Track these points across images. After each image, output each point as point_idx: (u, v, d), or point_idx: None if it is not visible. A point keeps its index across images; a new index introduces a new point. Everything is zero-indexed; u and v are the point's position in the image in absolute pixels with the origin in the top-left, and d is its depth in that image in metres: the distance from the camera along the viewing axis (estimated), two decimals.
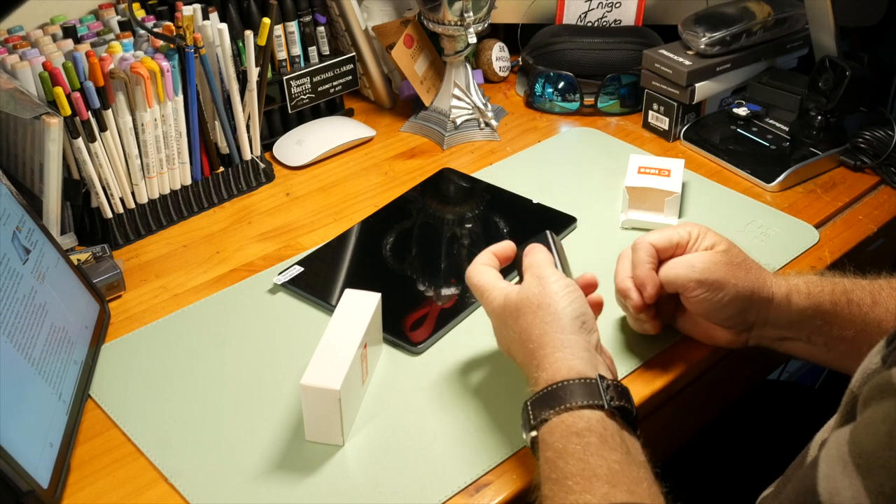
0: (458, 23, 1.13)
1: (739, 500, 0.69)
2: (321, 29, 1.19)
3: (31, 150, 0.93)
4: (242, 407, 0.77)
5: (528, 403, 0.66)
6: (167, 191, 1.02)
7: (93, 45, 0.97)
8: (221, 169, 1.07)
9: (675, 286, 0.76)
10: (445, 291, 0.90)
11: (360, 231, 1.00)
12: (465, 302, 0.88)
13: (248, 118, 1.07)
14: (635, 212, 1.00)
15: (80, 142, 0.92)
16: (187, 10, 0.99)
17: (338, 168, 1.14)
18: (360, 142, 1.18)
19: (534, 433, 0.65)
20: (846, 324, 0.75)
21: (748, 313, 0.77)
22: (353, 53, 1.21)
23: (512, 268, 0.78)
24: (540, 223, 0.99)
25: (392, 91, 1.28)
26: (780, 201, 1.03)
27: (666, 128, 1.16)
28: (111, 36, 1.00)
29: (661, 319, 0.81)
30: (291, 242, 0.99)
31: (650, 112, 1.18)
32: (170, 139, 0.99)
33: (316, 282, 0.92)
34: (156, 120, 0.96)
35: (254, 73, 1.04)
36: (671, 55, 1.14)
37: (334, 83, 1.21)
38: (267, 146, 1.16)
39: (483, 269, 0.76)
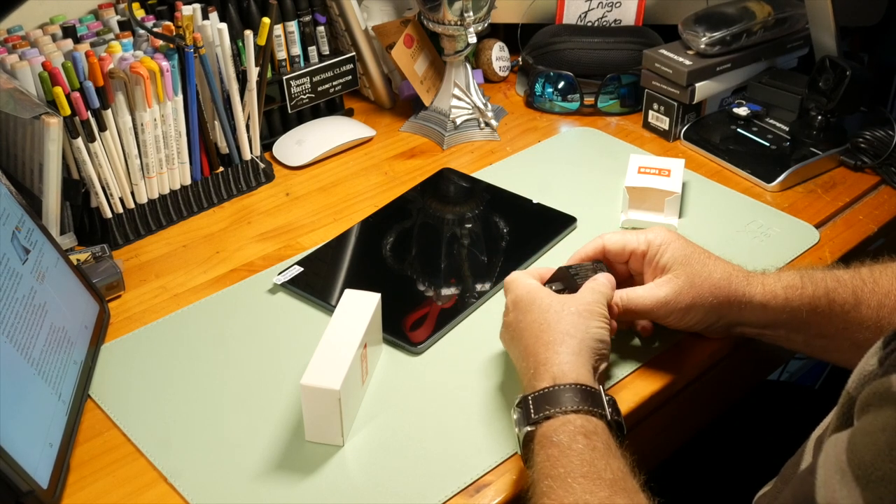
0: (458, 23, 1.12)
1: (739, 499, 0.69)
2: (321, 29, 1.19)
3: (30, 150, 0.93)
4: (242, 407, 0.77)
5: (530, 398, 0.66)
6: (167, 191, 1.02)
7: (92, 44, 0.97)
8: (221, 169, 1.06)
9: (640, 316, 0.77)
10: (445, 291, 0.90)
11: (360, 231, 1.00)
12: (465, 302, 0.88)
13: (248, 118, 1.07)
14: (635, 212, 1.00)
15: (79, 142, 0.92)
16: (187, 10, 0.99)
17: (338, 168, 1.14)
18: (360, 142, 1.18)
19: (530, 428, 0.65)
20: (826, 323, 0.75)
21: (720, 321, 0.77)
22: (353, 53, 1.21)
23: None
24: (540, 223, 1.00)
25: (392, 91, 1.28)
26: (781, 201, 1.03)
27: (666, 128, 1.16)
28: (111, 36, 1.00)
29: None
30: (291, 242, 0.99)
31: (650, 112, 1.18)
32: (169, 139, 0.99)
33: (316, 282, 0.91)
34: (155, 120, 0.96)
35: (254, 72, 1.04)
36: (671, 55, 1.14)
37: (334, 83, 1.21)
38: (267, 146, 1.16)
39: (523, 272, 0.78)
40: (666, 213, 0.99)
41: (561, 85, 1.23)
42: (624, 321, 0.81)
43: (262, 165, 1.09)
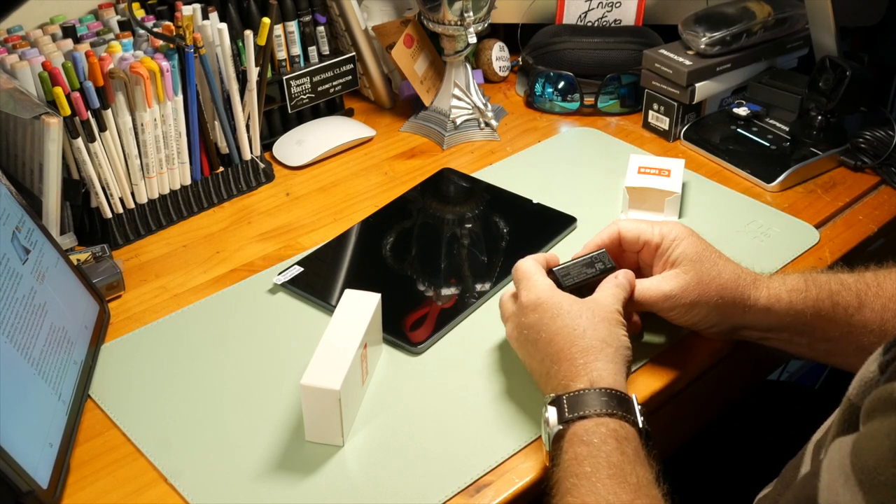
0: (458, 23, 1.12)
1: (739, 499, 0.69)
2: (321, 29, 1.19)
3: (30, 150, 0.93)
4: (242, 407, 0.77)
5: (565, 398, 0.67)
6: (167, 191, 1.02)
7: (92, 44, 0.97)
8: (221, 169, 1.06)
9: (645, 307, 0.77)
10: (445, 291, 0.90)
11: (360, 231, 1.00)
12: (465, 302, 0.88)
13: (248, 118, 1.07)
14: (635, 212, 1.00)
15: (79, 142, 0.92)
16: (187, 10, 0.99)
17: (338, 168, 1.14)
18: (360, 142, 1.18)
19: (562, 427, 0.66)
20: (830, 327, 0.75)
21: (724, 323, 0.77)
22: (353, 53, 1.21)
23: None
24: (540, 223, 1.00)
25: (392, 91, 1.28)
26: (781, 201, 1.03)
27: (666, 128, 1.16)
28: (111, 36, 1.00)
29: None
30: (291, 242, 0.99)
31: (650, 112, 1.18)
32: (169, 139, 0.99)
33: (316, 282, 0.91)
34: (155, 120, 0.96)
35: (254, 72, 1.04)
36: (671, 55, 1.14)
37: (334, 83, 1.21)
38: (267, 146, 1.16)
39: (534, 262, 0.78)
40: (666, 213, 0.99)
41: (561, 85, 1.23)
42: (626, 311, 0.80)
43: (262, 165, 1.09)
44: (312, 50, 1.19)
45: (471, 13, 1.12)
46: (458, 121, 1.18)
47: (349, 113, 1.25)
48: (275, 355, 0.83)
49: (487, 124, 1.19)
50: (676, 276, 0.76)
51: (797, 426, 0.71)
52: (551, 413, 0.67)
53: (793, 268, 0.92)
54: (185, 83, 0.98)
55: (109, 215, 0.98)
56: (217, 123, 1.05)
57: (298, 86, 1.17)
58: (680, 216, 0.99)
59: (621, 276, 0.77)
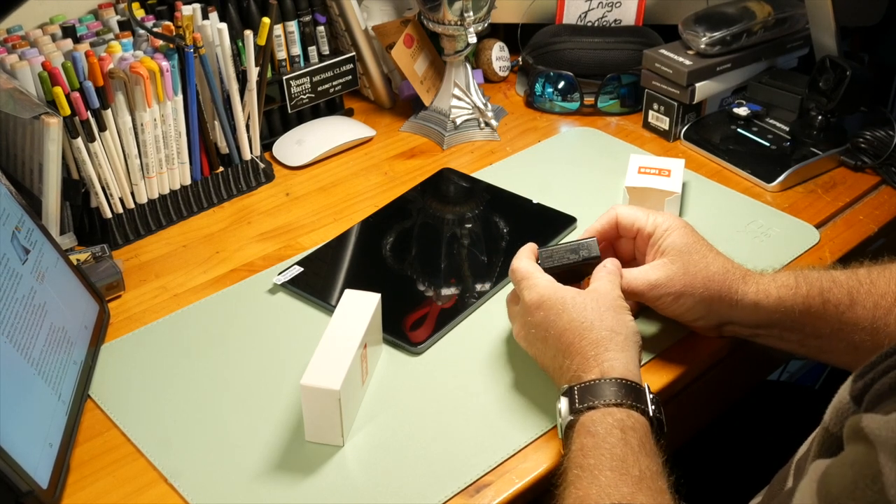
0: (458, 23, 1.12)
1: (739, 500, 0.69)
2: (321, 29, 1.19)
3: (30, 150, 0.93)
4: (242, 407, 0.77)
5: (576, 388, 0.67)
6: (167, 191, 1.02)
7: (92, 44, 0.97)
8: (221, 169, 1.06)
9: (631, 296, 0.77)
10: (445, 291, 0.90)
11: (360, 231, 1.00)
12: (465, 302, 0.88)
13: (248, 118, 1.07)
14: None
15: (79, 142, 0.92)
16: (187, 10, 0.99)
17: (338, 168, 1.14)
18: (359, 142, 1.18)
19: (573, 417, 0.66)
20: (820, 324, 0.75)
21: (711, 316, 0.77)
22: (353, 53, 1.21)
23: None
24: (540, 223, 1.00)
25: (392, 91, 1.28)
26: (781, 201, 1.03)
27: (666, 128, 1.16)
28: (110, 36, 1.00)
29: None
30: (291, 242, 0.99)
31: (650, 112, 1.18)
32: (169, 139, 0.99)
33: (316, 282, 0.91)
34: (155, 120, 0.96)
35: (253, 72, 1.04)
36: (671, 55, 1.14)
37: (334, 83, 1.21)
38: (267, 146, 1.16)
39: (528, 260, 0.78)
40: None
41: (561, 85, 1.23)
42: None
43: (262, 165, 1.09)
44: (312, 50, 1.19)
45: (471, 13, 1.12)
46: (458, 121, 1.18)
47: (349, 113, 1.25)
48: (275, 355, 0.83)
49: (487, 124, 1.19)
50: (663, 266, 0.77)
51: (797, 426, 0.71)
52: (563, 404, 0.68)
53: (793, 268, 0.92)
54: (185, 83, 0.98)
55: (109, 215, 0.98)
56: (217, 123, 1.05)
57: (298, 86, 1.17)
58: (680, 216, 0.99)
59: (610, 265, 0.78)
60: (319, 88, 1.19)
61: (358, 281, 0.92)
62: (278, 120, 1.19)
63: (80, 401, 0.77)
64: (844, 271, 0.76)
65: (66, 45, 0.96)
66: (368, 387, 0.79)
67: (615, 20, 1.28)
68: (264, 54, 1.05)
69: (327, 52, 1.21)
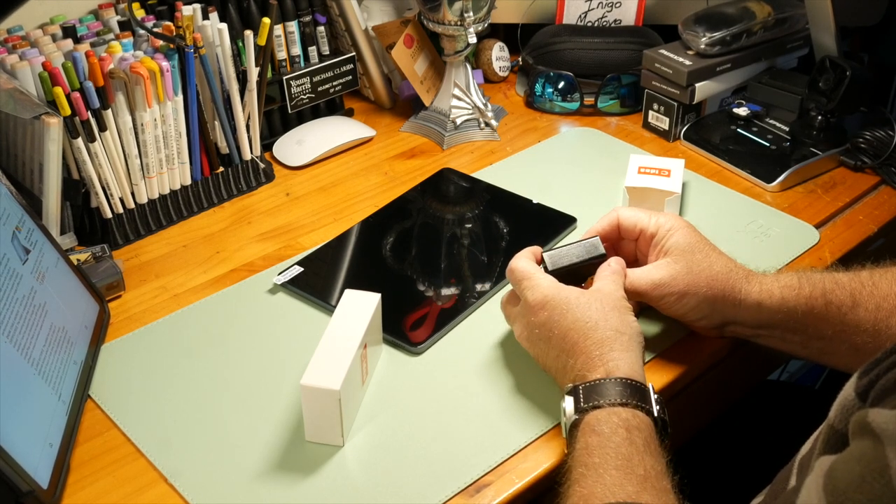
0: (458, 23, 1.12)
1: (739, 500, 0.69)
2: (321, 29, 1.19)
3: (30, 150, 0.93)
4: (242, 407, 0.77)
5: (581, 387, 0.67)
6: (167, 191, 1.02)
7: (92, 45, 0.97)
8: (221, 169, 1.06)
9: (635, 296, 0.77)
10: (445, 291, 0.90)
11: (360, 231, 1.00)
12: (465, 302, 0.88)
13: (248, 118, 1.07)
14: None
15: (79, 142, 0.92)
16: (187, 10, 0.99)
17: (338, 168, 1.14)
18: (360, 142, 1.18)
19: (577, 416, 0.66)
20: (823, 325, 0.75)
21: (714, 316, 0.77)
22: (353, 53, 1.21)
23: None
24: (540, 223, 1.00)
25: (392, 91, 1.28)
26: (781, 201, 1.03)
27: (666, 128, 1.16)
28: (111, 36, 1.00)
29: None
30: (291, 242, 0.99)
31: (650, 112, 1.18)
32: (169, 139, 0.99)
33: (316, 282, 0.91)
34: (155, 120, 0.96)
35: (254, 73, 1.04)
36: (671, 55, 1.14)
37: (334, 83, 1.21)
38: (267, 146, 1.16)
39: (528, 260, 0.78)
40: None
41: (561, 85, 1.23)
42: None
43: (262, 165, 1.09)
44: (312, 50, 1.19)
45: (471, 13, 1.12)
46: (458, 121, 1.18)
47: (349, 113, 1.25)
48: (275, 355, 0.83)
49: (487, 124, 1.19)
50: (667, 265, 0.77)
51: (797, 426, 0.71)
52: (568, 403, 0.68)
53: (793, 268, 0.92)
54: (185, 83, 0.98)
55: (109, 215, 0.98)
56: (217, 123, 1.05)
57: (298, 86, 1.17)
58: (680, 216, 0.99)
59: (614, 263, 0.78)
60: (319, 88, 1.19)
61: (358, 281, 0.92)
62: (278, 120, 1.19)
63: (80, 401, 0.77)
64: (847, 273, 0.76)
65: (66, 46, 0.96)
66: (368, 387, 0.79)
67: (615, 20, 1.28)
68: (264, 54, 1.05)
69: (327, 53, 1.21)
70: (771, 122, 1.13)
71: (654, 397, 0.68)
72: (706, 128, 1.15)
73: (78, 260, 0.91)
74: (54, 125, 0.89)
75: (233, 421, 0.76)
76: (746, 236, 0.96)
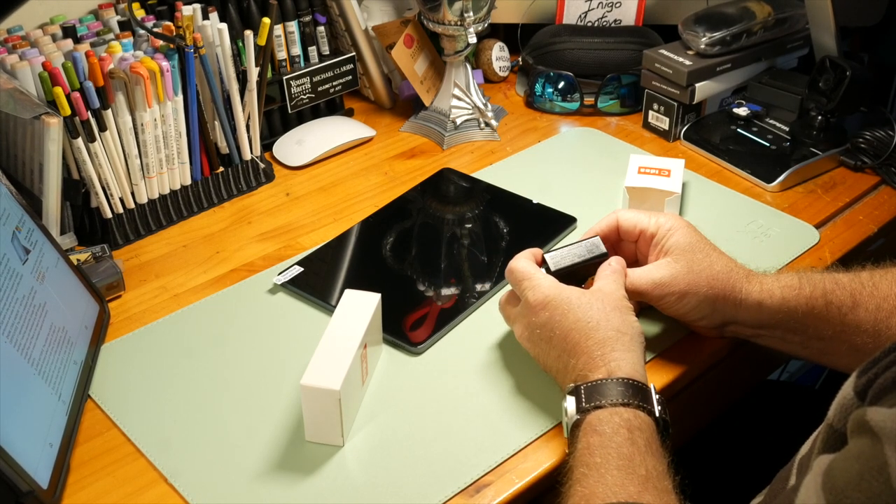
0: (458, 23, 1.12)
1: (740, 499, 0.69)
2: (321, 29, 1.19)
3: (30, 150, 0.93)
4: (242, 407, 0.77)
5: (583, 387, 0.67)
6: (167, 191, 1.02)
7: (92, 45, 0.97)
8: (221, 169, 1.06)
9: (635, 296, 0.77)
10: (445, 291, 0.90)
11: (360, 231, 1.00)
12: (465, 302, 0.88)
13: (248, 118, 1.07)
14: None
15: (79, 142, 0.92)
16: (187, 10, 0.99)
17: (338, 168, 1.14)
18: (360, 142, 1.18)
19: (579, 416, 0.66)
20: (823, 325, 0.75)
21: (714, 316, 0.77)
22: (353, 53, 1.21)
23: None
24: (540, 223, 1.00)
25: (392, 91, 1.28)
26: (781, 201, 1.03)
27: (666, 128, 1.16)
28: (111, 36, 1.00)
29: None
30: (291, 242, 0.99)
31: (650, 112, 1.18)
32: (169, 139, 0.99)
33: (316, 282, 0.91)
34: (155, 120, 0.96)
35: (254, 73, 1.04)
36: (671, 55, 1.14)
37: (334, 83, 1.21)
38: (267, 146, 1.16)
39: (527, 261, 0.78)
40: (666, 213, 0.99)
41: (561, 85, 1.23)
42: None
43: (262, 165, 1.09)
44: (312, 50, 1.19)
45: (471, 13, 1.12)
46: (458, 121, 1.18)
47: (349, 113, 1.25)
48: (275, 355, 0.83)
49: (487, 124, 1.19)
50: (668, 265, 0.77)
51: (797, 426, 0.71)
52: (570, 403, 0.68)
53: (793, 268, 0.92)
54: (185, 83, 0.98)
55: (109, 215, 0.98)
56: (217, 123, 1.05)
57: (298, 86, 1.17)
58: (680, 216, 0.99)
59: (615, 263, 0.78)
60: (319, 88, 1.19)
61: (358, 281, 0.92)
62: (278, 120, 1.19)
63: (80, 401, 0.77)
64: (847, 273, 0.76)
65: (66, 46, 0.96)
66: (368, 387, 0.79)
67: (615, 20, 1.28)
68: (264, 54, 1.05)
69: (327, 53, 1.21)
70: (771, 122, 1.13)
71: (655, 397, 0.68)
72: (706, 128, 1.15)
73: (78, 260, 0.91)
74: (54, 125, 0.89)
75: (233, 421, 0.76)
76: (746, 236, 0.96)
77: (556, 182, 1.07)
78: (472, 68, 1.24)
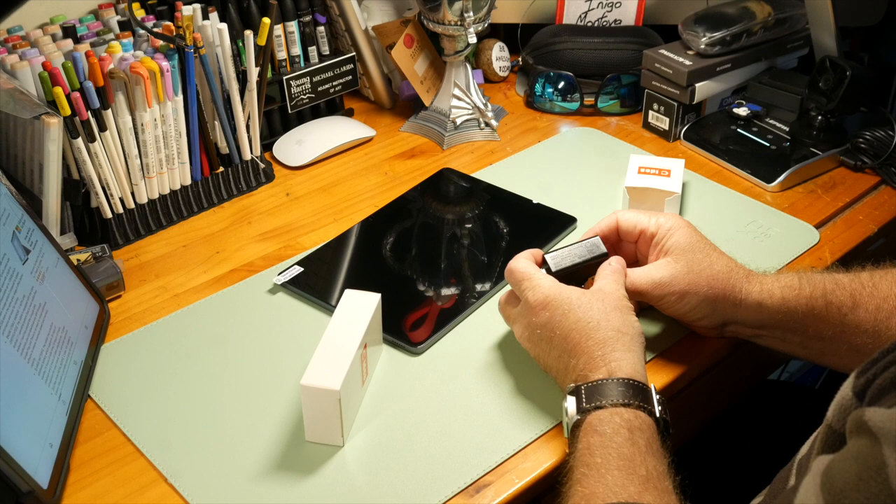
0: (458, 23, 1.12)
1: (740, 499, 0.69)
2: (321, 29, 1.19)
3: (30, 150, 0.93)
4: (242, 407, 0.77)
5: (583, 387, 0.67)
6: (167, 191, 1.02)
7: (92, 45, 0.97)
8: (221, 169, 1.06)
9: (636, 296, 0.77)
10: (445, 291, 0.90)
11: (360, 231, 1.00)
12: (465, 302, 0.88)
13: (248, 118, 1.07)
14: None
15: (79, 142, 0.92)
16: (187, 10, 0.99)
17: (338, 168, 1.14)
18: (360, 142, 1.18)
19: (579, 416, 0.66)
20: (823, 326, 0.75)
21: (714, 316, 0.77)
22: (353, 53, 1.21)
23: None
24: (540, 223, 1.00)
25: (392, 91, 1.28)
26: (781, 201, 1.03)
27: (666, 128, 1.16)
28: (111, 36, 1.00)
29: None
30: (291, 242, 0.99)
31: (650, 112, 1.18)
32: (169, 139, 0.99)
33: (316, 282, 0.91)
34: (155, 120, 0.96)
35: (254, 73, 1.04)
36: (671, 55, 1.14)
37: (334, 83, 1.21)
38: (267, 146, 1.16)
39: (527, 261, 0.78)
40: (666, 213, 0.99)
41: (561, 85, 1.23)
42: None
43: (262, 165, 1.09)
44: (312, 50, 1.19)
45: (471, 13, 1.12)
46: (458, 121, 1.18)
47: (349, 113, 1.25)
48: (275, 355, 0.83)
49: (487, 124, 1.19)
50: (668, 265, 0.77)
51: (797, 426, 0.71)
52: (570, 403, 0.68)
53: (793, 268, 0.92)
54: (185, 83, 0.98)
55: (109, 215, 0.98)
56: (217, 123, 1.05)
57: (298, 86, 1.17)
58: (680, 216, 0.99)
59: (615, 263, 0.78)
60: (319, 88, 1.19)
61: (358, 281, 0.92)
62: (278, 120, 1.19)
63: (80, 401, 0.77)
64: (847, 274, 0.76)
65: (66, 46, 0.96)
66: (368, 387, 0.79)
67: (615, 20, 1.28)
68: (264, 54, 1.05)
69: (327, 53, 1.21)
70: (771, 122, 1.13)
71: (655, 398, 0.68)
72: (706, 128, 1.15)
73: (78, 260, 0.91)
74: (54, 125, 0.89)
75: (233, 421, 0.76)
76: (746, 236, 0.96)
77: (556, 182, 1.07)
78: (472, 68, 1.24)
